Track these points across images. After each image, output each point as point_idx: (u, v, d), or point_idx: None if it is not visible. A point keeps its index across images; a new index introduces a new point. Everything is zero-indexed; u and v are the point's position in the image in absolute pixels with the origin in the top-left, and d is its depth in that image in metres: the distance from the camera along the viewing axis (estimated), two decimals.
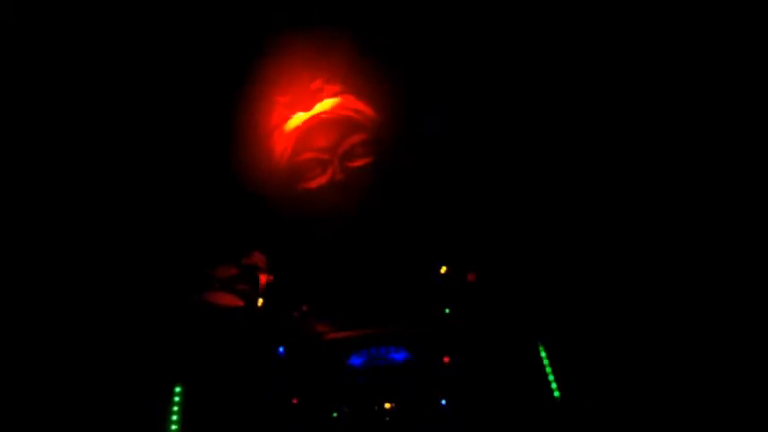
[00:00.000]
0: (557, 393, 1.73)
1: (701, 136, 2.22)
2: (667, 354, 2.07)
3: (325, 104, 1.78)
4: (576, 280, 2.05)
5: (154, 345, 1.75)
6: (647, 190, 2.22)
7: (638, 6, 2.22)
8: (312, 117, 1.75)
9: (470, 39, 2.22)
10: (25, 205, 2.07)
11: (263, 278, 1.76)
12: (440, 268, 1.79)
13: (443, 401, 1.63)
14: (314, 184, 1.73)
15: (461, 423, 1.63)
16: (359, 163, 1.74)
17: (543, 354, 1.75)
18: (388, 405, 1.62)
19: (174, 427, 1.60)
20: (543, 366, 1.75)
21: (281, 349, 1.66)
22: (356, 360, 1.65)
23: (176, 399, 1.63)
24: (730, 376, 2.05)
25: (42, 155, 2.13)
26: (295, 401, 1.60)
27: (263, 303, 1.73)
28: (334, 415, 1.59)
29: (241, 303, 1.72)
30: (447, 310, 1.75)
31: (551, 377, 1.74)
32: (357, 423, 1.60)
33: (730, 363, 2.07)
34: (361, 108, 1.79)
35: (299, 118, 1.77)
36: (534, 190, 2.22)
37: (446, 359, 1.68)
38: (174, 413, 1.60)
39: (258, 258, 1.80)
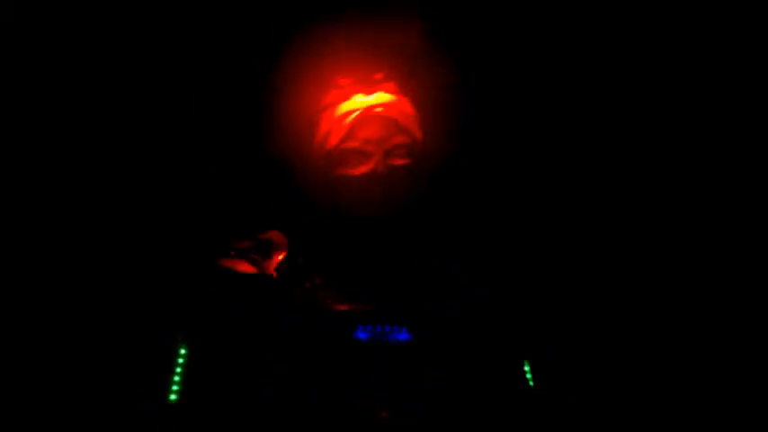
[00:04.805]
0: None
1: (692, 138, 2.23)
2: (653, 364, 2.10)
3: (382, 98, 1.83)
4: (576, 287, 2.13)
5: (162, 305, 1.75)
6: (642, 200, 2.24)
7: (630, 9, 2.24)
8: (367, 108, 1.81)
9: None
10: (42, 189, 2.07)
11: (278, 254, 1.80)
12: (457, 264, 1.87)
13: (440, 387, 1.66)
14: (356, 171, 1.78)
15: (456, 410, 1.65)
16: (399, 162, 1.80)
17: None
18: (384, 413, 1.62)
19: (174, 387, 1.56)
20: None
21: (285, 319, 1.68)
22: (362, 334, 1.70)
23: (180, 360, 1.59)
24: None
25: (52, 153, 2.12)
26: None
27: (277, 273, 1.76)
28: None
29: (254, 270, 1.75)
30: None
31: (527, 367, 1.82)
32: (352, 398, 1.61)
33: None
34: (411, 113, 1.85)
35: (354, 103, 1.82)
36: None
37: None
38: (176, 374, 1.57)
39: (276, 234, 1.85)
